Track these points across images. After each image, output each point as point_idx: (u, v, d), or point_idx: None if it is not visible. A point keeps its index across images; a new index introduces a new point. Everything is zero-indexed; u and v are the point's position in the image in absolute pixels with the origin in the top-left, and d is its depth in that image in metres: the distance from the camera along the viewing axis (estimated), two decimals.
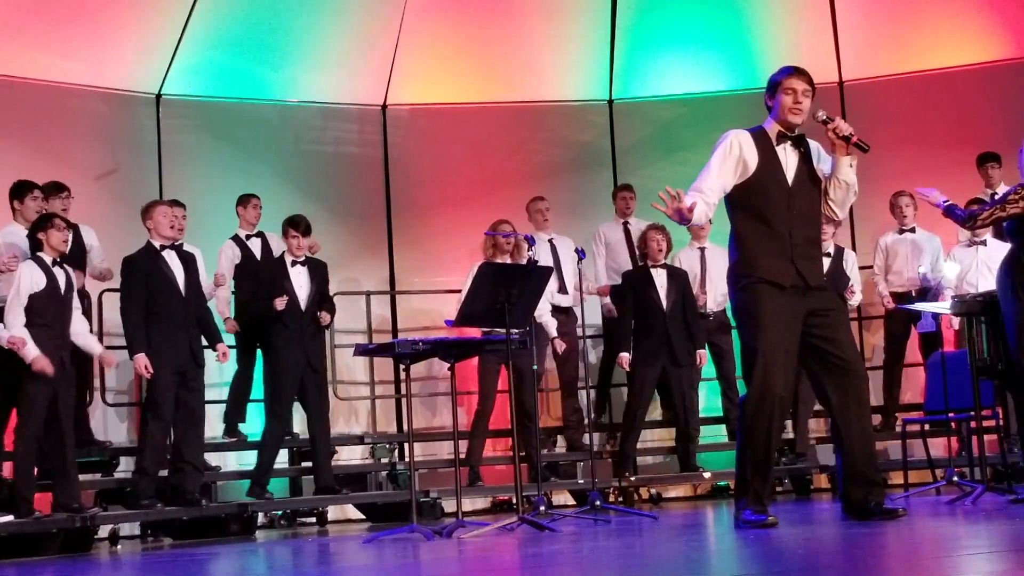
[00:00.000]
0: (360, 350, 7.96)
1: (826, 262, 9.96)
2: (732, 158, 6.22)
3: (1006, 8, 11.73)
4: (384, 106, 12.13)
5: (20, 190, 9.14)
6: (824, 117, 6.28)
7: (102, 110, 11.08)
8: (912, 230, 10.53)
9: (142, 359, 8.82)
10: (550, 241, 10.47)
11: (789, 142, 6.27)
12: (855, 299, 10.21)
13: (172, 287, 8.99)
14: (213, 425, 10.43)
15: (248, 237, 10.21)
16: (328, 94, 11.98)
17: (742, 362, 6.46)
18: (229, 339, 10.05)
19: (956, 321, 9.65)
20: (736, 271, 6.25)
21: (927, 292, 10.31)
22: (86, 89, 10.96)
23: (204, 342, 9.26)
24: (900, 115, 11.90)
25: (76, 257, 9.19)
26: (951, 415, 8.86)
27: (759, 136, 6.28)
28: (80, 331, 8.71)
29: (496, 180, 11.93)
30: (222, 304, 9.97)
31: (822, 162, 6.37)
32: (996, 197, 8.45)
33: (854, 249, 11.36)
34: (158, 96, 11.34)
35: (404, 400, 9.72)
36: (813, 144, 6.40)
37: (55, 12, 10.53)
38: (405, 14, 11.63)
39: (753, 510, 6.13)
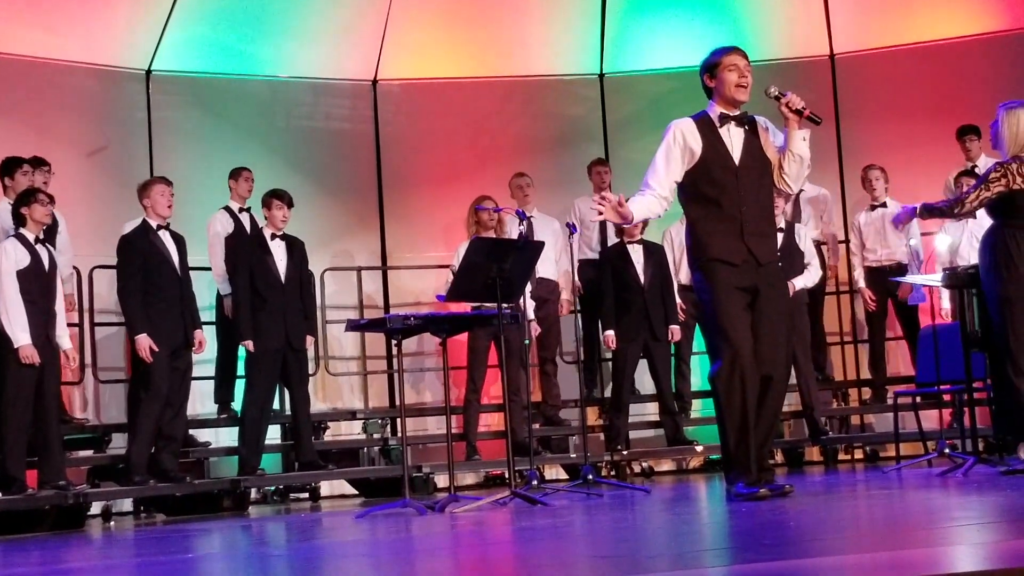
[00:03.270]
0: (352, 325, 7.96)
1: (779, 237, 10.02)
2: (677, 148, 6.31)
3: None
4: (375, 81, 12.10)
5: (10, 166, 9.13)
6: (776, 93, 6.34)
7: (92, 86, 11.04)
8: (883, 204, 10.52)
9: (145, 340, 8.80)
10: (529, 218, 10.43)
11: (732, 122, 6.34)
12: (811, 277, 10.17)
13: (169, 266, 8.98)
14: (204, 402, 10.44)
15: (240, 210, 10.18)
16: (319, 69, 11.94)
17: (705, 339, 6.54)
18: (208, 315, 10.05)
19: (947, 296, 9.66)
20: (693, 253, 6.37)
21: (904, 266, 10.33)
22: (76, 65, 10.92)
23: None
24: (891, 88, 11.90)
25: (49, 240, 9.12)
26: (943, 387, 8.87)
27: (702, 121, 6.35)
28: (59, 322, 8.67)
29: (487, 155, 11.91)
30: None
31: (772, 135, 6.41)
32: (978, 174, 8.44)
33: (844, 223, 11.37)
34: (148, 72, 11.30)
35: (396, 375, 9.72)
36: (760, 119, 6.45)
37: None
38: None
39: (745, 482, 6.16)
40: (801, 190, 10.34)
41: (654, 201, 6.31)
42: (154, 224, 9.01)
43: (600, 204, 6.23)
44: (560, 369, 10.73)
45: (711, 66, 6.40)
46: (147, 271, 8.91)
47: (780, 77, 11.95)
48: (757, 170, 6.34)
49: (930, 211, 7.49)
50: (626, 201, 6.23)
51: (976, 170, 10.25)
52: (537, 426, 10.39)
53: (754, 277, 6.26)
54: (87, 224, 10.07)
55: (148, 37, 11.14)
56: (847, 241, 11.04)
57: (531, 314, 10.02)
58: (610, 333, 10.14)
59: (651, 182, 6.31)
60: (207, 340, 9.34)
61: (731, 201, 6.26)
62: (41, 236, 8.56)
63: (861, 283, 10.60)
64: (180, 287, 9.03)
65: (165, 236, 9.04)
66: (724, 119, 6.33)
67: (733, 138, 6.33)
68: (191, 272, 9.29)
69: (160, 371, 8.87)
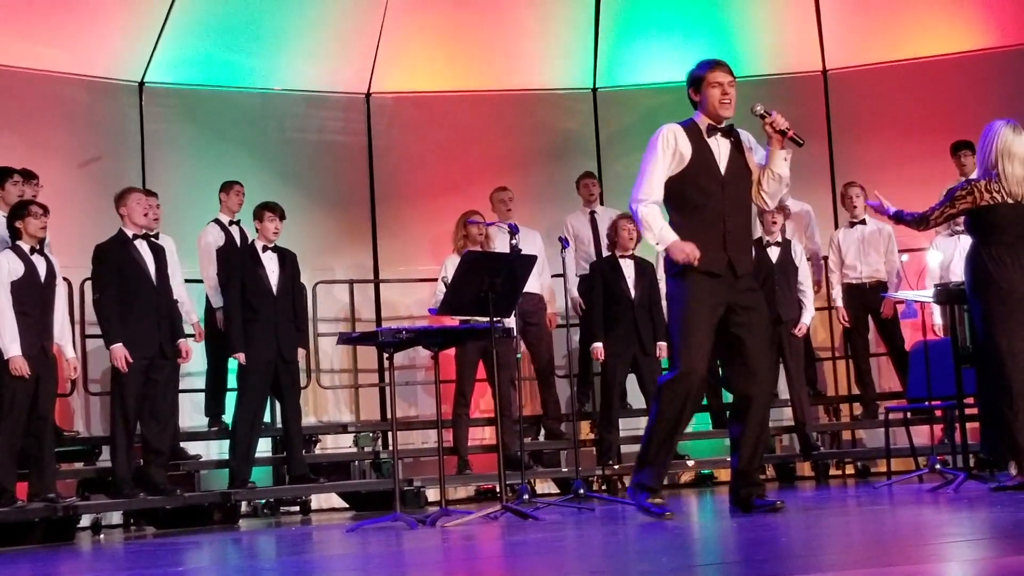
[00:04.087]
0: (343, 338, 7.95)
1: (776, 251, 10.09)
2: (669, 151, 6.35)
3: None
4: (368, 94, 12.10)
5: (0, 176, 9.10)
6: (761, 111, 6.39)
7: (85, 98, 11.03)
8: (863, 222, 10.55)
9: (120, 350, 8.76)
10: (519, 232, 10.37)
11: (719, 133, 6.39)
12: (811, 309, 10.26)
13: (143, 276, 8.91)
14: (195, 414, 10.42)
15: (230, 223, 10.17)
16: (312, 82, 11.95)
17: (668, 345, 6.60)
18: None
19: (938, 312, 9.67)
20: (671, 259, 6.33)
21: (883, 284, 10.36)
22: (69, 77, 10.91)
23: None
24: (883, 103, 11.93)
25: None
26: (934, 403, 8.87)
27: (690, 128, 6.40)
28: (60, 331, 8.65)
29: (481, 168, 11.90)
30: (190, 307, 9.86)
31: (754, 151, 6.48)
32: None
33: (831, 239, 11.38)
34: (141, 84, 11.30)
35: (387, 388, 9.71)
36: (744, 134, 6.50)
37: (38, 0, 10.49)
38: (389, 2, 11.61)
39: (650, 497, 6.35)
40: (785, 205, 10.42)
41: (660, 212, 6.38)
42: (130, 233, 8.98)
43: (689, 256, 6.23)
44: None
45: (695, 80, 6.45)
46: (122, 281, 8.86)
47: (773, 93, 12.10)
48: (741, 182, 6.40)
49: (899, 219, 7.52)
50: (658, 229, 6.28)
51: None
52: (528, 440, 10.38)
53: (731, 293, 6.30)
54: (78, 236, 10.04)
55: (141, 49, 11.14)
56: (828, 259, 11.01)
57: (515, 329, 10.01)
58: (598, 345, 10.12)
59: (653, 193, 6.32)
60: (192, 350, 9.30)
61: (715, 210, 6.30)
62: (38, 247, 8.55)
63: (838, 301, 10.61)
64: (156, 297, 8.96)
65: (142, 246, 8.98)
66: (711, 129, 6.38)
67: (720, 148, 6.38)
68: (188, 284, 9.27)
69: (134, 382, 8.81)
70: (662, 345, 10.13)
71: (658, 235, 6.31)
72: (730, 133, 6.40)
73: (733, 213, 6.33)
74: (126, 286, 8.86)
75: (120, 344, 8.77)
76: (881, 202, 7.58)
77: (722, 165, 6.34)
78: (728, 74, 6.39)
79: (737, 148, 6.41)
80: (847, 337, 10.87)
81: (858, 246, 10.54)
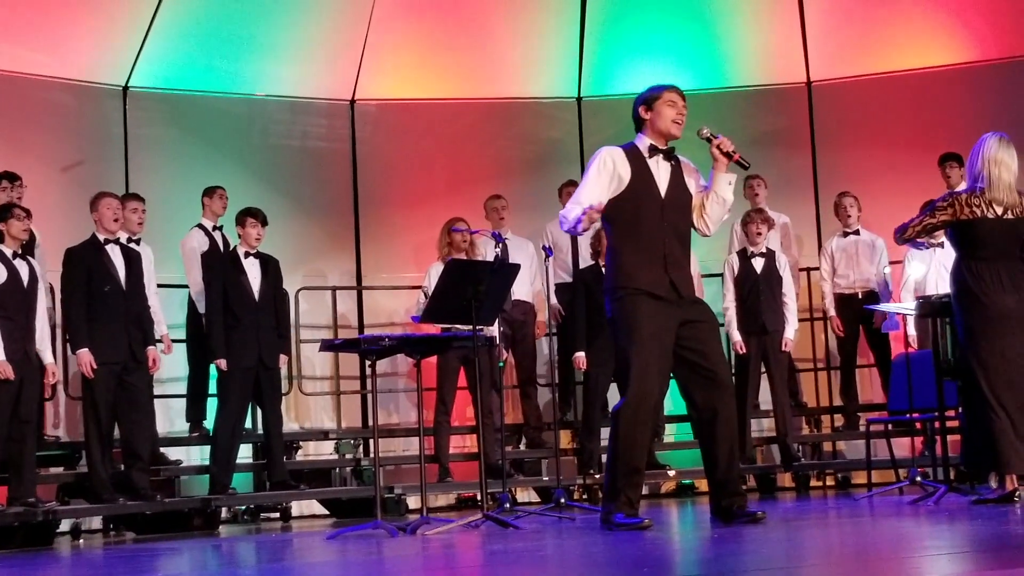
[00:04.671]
0: (326, 345, 7.94)
1: (760, 262, 10.11)
2: (606, 173, 6.34)
3: (971, 12, 11.78)
4: (352, 101, 12.09)
5: None
6: (708, 134, 6.41)
7: (68, 102, 11.01)
8: (856, 232, 10.59)
9: (86, 355, 8.72)
10: (504, 241, 10.38)
11: (660, 155, 6.39)
12: (794, 322, 10.30)
13: (113, 282, 8.86)
14: (174, 420, 10.40)
15: (213, 228, 10.15)
16: (296, 88, 11.94)
17: (616, 371, 6.54)
18: (179, 333, 10.00)
19: (912, 323, 9.69)
20: (614, 282, 6.34)
21: (875, 294, 10.40)
22: (52, 80, 10.88)
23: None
24: (867, 115, 11.96)
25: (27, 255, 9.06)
26: (915, 415, 8.89)
27: (631, 151, 6.41)
28: (40, 336, 8.62)
29: (464, 176, 11.91)
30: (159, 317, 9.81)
31: (694, 177, 6.48)
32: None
33: (819, 249, 11.39)
34: (125, 88, 11.28)
35: (370, 396, 9.70)
36: (683, 159, 6.49)
37: (21, 2, 10.46)
38: (375, 8, 11.61)
39: (625, 514, 6.21)
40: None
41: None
42: (102, 238, 8.94)
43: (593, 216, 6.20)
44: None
45: (649, 99, 6.46)
46: (92, 285, 8.82)
47: (757, 103, 12.13)
48: (681, 205, 6.39)
49: (897, 236, 7.53)
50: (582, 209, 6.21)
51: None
52: (509, 448, 10.38)
53: (678, 311, 6.28)
54: (61, 240, 9.98)
55: (126, 53, 11.12)
56: (820, 268, 11.05)
57: (499, 337, 10.01)
58: (580, 355, 10.09)
59: (583, 199, 6.27)
60: (160, 359, 9.25)
61: (655, 233, 6.30)
62: (19, 251, 8.52)
63: (831, 311, 10.64)
64: (125, 303, 8.90)
65: (114, 251, 8.94)
66: (653, 151, 6.38)
67: (660, 170, 6.38)
68: (170, 290, 9.22)
69: (101, 387, 8.76)
70: None
71: (573, 215, 6.22)
72: (670, 156, 6.41)
73: (672, 236, 6.33)
74: (95, 291, 8.82)
75: (85, 349, 8.72)
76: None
77: (662, 188, 6.35)
78: (683, 98, 6.44)
79: (677, 171, 6.42)
80: (840, 346, 10.86)
81: (850, 255, 10.57)
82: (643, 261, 6.26)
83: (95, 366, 8.71)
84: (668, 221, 6.33)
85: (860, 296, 10.47)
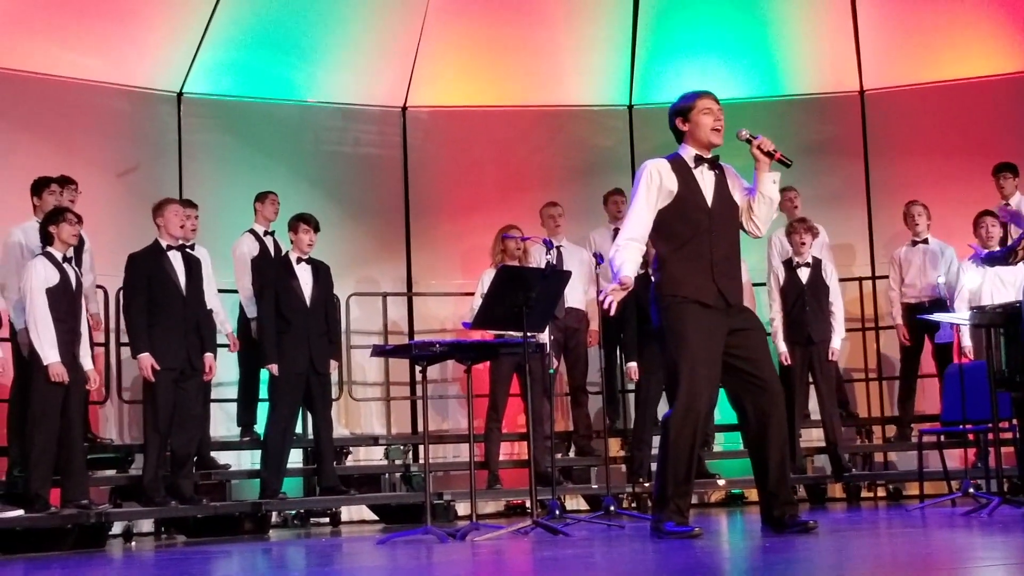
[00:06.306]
0: (377, 351, 7.96)
1: (806, 272, 10.04)
2: (654, 187, 6.33)
3: None
4: (404, 108, 12.14)
5: (38, 186, 9.19)
6: (748, 135, 6.38)
7: (123, 107, 11.11)
8: (925, 240, 10.50)
9: (147, 359, 8.78)
10: (558, 248, 10.40)
11: (705, 164, 6.38)
12: (842, 331, 10.21)
13: (174, 288, 8.92)
14: (227, 424, 10.45)
15: (265, 233, 10.21)
16: (349, 95, 11.99)
17: (666, 379, 6.49)
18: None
19: (967, 333, 9.61)
20: (661, 290, 6.32)
21: (942, 303, 10.29)
22: (108, 86, 10.99)
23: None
24: (920, 124, 11.89)
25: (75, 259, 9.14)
26: (968, 426, 8.82)
27: (676, 162, 6.39)
28: (83, 341, 8.68)
29: (515, 183, 11.93)
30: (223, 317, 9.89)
31: (739, 182, 6.46)
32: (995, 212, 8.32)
33: (872, 259, 11.33)
34: (179, 94, 11.37)
35: (419, 402, 9.72)
36: (727, 166, 6.48)
37: (78, 9, 10.57)
38: (427, 16, 11.65)
39: (675, 522, 6.18)
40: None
41: (638, 250, 6.35)
42: (165, 244, 9.01)
43: (611, 296, 6.22)
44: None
45: (683, 110, 6.46)
46: (152, 291, 8.88)
47: (810, 112, 12.08)
48: (728, 212, 6.38)
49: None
50: (619, 271, 6.25)
51: (1008, 208, 10.22)
52: (559, 456, 10.36)
53: (727, 319, 6.26)
54: (115, 245, 10.09)
55: (180, 60, 11.21)
56: (872, 278, 10.98)
57: (549, 345, 10.00)
58: (633, 364, 10.07)
59: (638, 234, 6.31)
60: (216, 366, 9.29)
61: (702, 242, 6.29)
62: (69, 255, 8.60)
63: (898, 319, 10.54)
64: (185, 309, 8.96)
65: (176, 257, 9.00)
66: (698, 160, 6.37)
67: (706, 180, 6.37)
68: (223, 294, 9.28)
69: (163, 392, 8.83)
70: None
71: (615, 269, 6.28)
72: (715, 165, 6.40)
73: (720, 243, 6.31)
74: (156, 297, 8.88)
75: (147, 354, 8.79)
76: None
77: (708, 197, 6.34)
78: (717, 102, 6.42)
79: (722, 179, 6.40)
80: (904, 356, 10.75)
81: (919, 265, 10.47)
82: (690, 270, 6.26)
83: (157, 368, 8.77)
84: (716, 230, 6.32)
85: (927, 305, 10.32)
